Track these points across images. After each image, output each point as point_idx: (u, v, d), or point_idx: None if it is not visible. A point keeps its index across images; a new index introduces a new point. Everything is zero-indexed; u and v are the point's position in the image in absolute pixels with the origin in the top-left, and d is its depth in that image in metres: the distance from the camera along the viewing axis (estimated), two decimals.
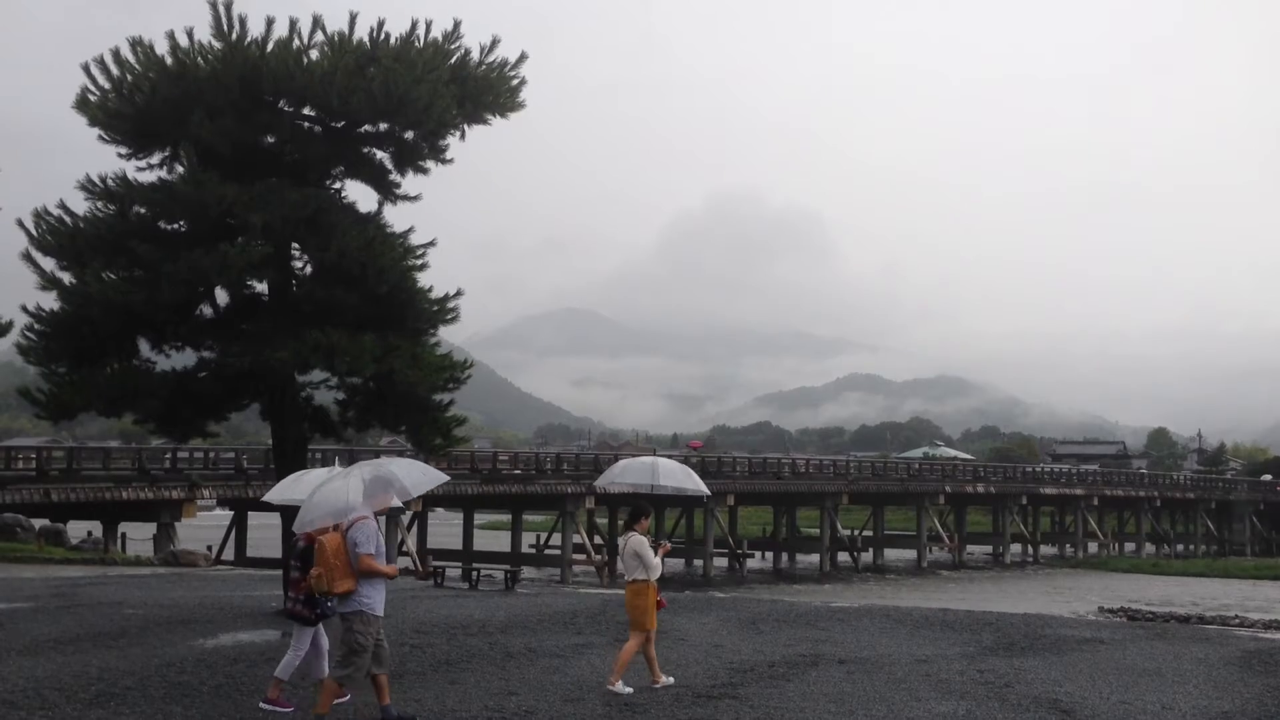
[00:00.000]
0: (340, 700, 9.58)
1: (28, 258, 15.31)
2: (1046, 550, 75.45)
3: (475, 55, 16.24)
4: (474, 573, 24.05)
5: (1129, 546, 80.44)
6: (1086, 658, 13.31)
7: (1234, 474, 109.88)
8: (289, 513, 11.84)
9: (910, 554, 67.25)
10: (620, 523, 57.46)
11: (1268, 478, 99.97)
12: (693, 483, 11.85)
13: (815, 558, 61.94)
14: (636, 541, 10.52)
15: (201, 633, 14.02)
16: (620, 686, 10.44)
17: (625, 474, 12.36)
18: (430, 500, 49.11)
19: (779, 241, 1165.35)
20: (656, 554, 10.55)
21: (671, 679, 10.91)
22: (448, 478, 9.70)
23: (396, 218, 17.08)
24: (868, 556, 65.72)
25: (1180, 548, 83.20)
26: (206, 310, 16.29)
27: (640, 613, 10.49)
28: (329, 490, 8.69)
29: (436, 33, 15.90)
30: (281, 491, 11.90)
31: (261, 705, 9.56)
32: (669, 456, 66.72)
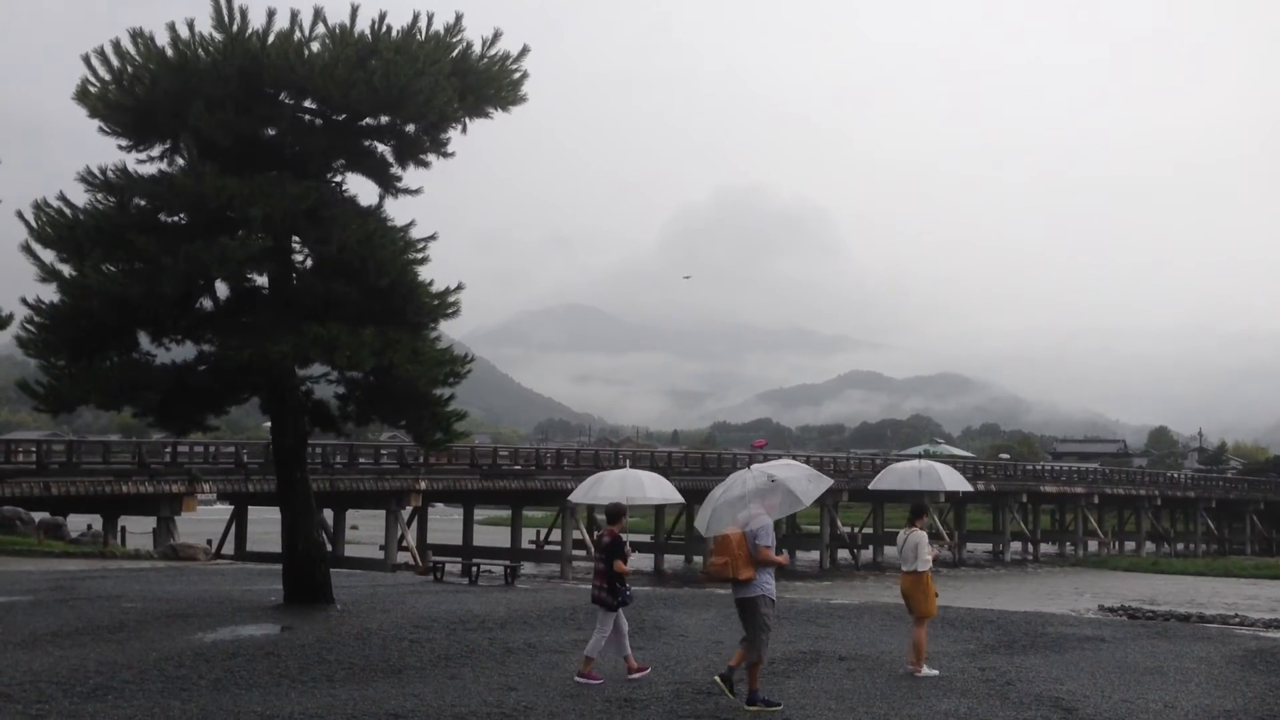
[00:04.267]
0: (641, 675, 10.82)
1: (27, 250, 15.27)
2: (1046, 548, 75.44)
3: (477, 48, 16.19)
4: (474, 568, 24.03)
5: (1129, 545, 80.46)
6: (1088, 656, 13.27)
7: (1234, 473, 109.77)
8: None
9: None
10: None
11: None
12: (956, 480, 13.79)
13: (815, 554, 61.95)
14: (918, 536, 11.66)
15: (200, 627, 14.00)
16: (925, 670, 11.38)
17: (891, 474, 14.44)
18: (431, 495, 49.13)
19: (785, 237, 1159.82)
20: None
21: (932, 671, 11.55)
22: (831, 481, 10.50)
23: (398, 211, 17.06)
24: (867, 554, 65.72)
25: (1180, 546, 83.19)
26: (206, 303, 16.25)
27: (917, 601, 11.58)
28: (732, 498, 9.84)
29: (438, 25, 15.85)
30: (584, 492, 13.53)
31: (576, 679, 10.62)
32: (670, 452, 66.58)
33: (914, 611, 11.69)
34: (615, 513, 11.38)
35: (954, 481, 14.08)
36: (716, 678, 9.91)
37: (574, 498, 13.78)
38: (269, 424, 17.92)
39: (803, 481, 9.94)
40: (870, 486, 16.69)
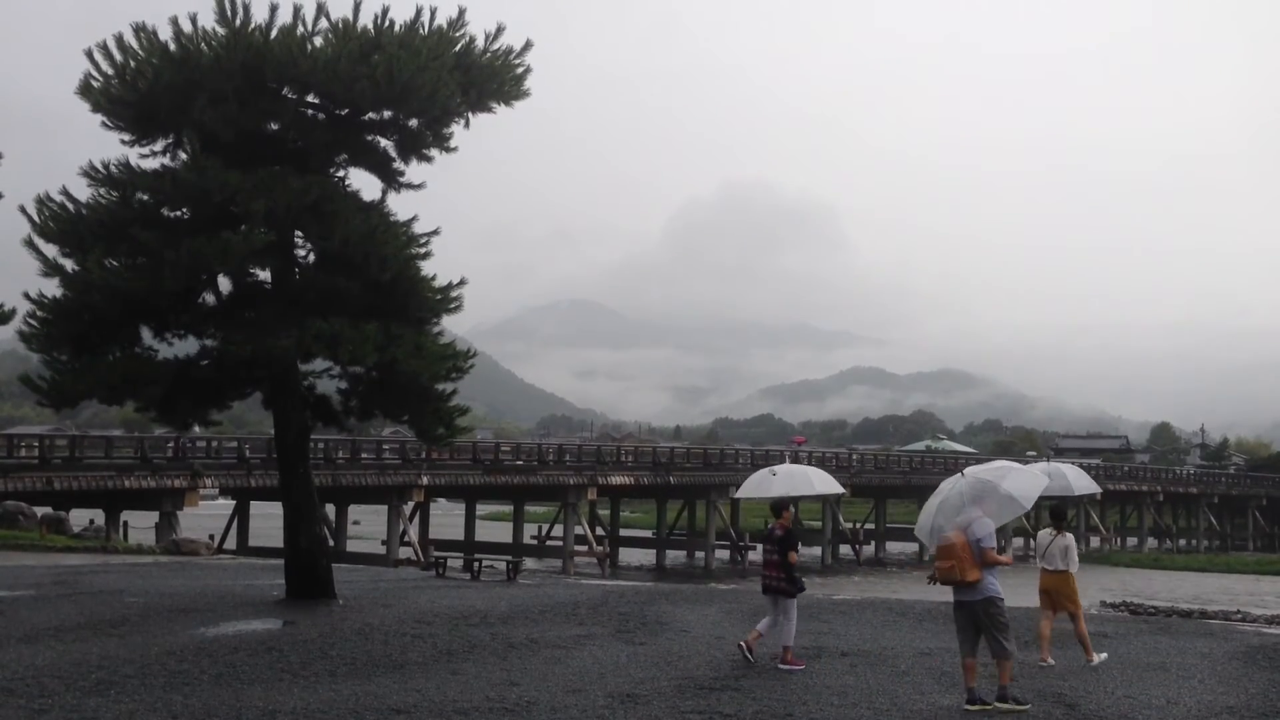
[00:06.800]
0: (796, 668, 11.25)
1: (30, 244, 15.26)
2: None
3: (480, 43, 16.19)
4: (476, 563, 24.03)
5: (1131, 541, 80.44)
6: None
7: (1237, 469, 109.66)
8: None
9: (912, 547, 67.18)
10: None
11: None
12: (1085, 484, 14.04)
13: (817, 550, 61.93)
14: (1068, 539, 12.47)
15: (203, 621, 14.01)
16: (1097, 659, 12.15)
17: (1049, 476, 14.48)
18: (433, 490, 49.15)
19: (789, 232, 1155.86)
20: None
21: (1052, 661, 12.11)
22: (1047, 480, 10.54)
23: (401, 206, 17.06)
24: (869, 549, 65.73)
25: (1183, 542, 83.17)
26: (209, 298, 16.26)
27: (1065, 597, 12.44)
28: (949, 504, 10.07)
29: (441, 20, 15.86)
30: (753, 488, 13.51)
31: (779, 667, 11.29)
32: (673, 448, 66.42)
33: (1054, 608, 12.40)
34: (780, 506, 11.91)
35: (1082, 485, 14.08)
36: (997, 703, 9.68)
37: (742, 493, 13.94)
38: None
39: (1021, 484, 9.99)
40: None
